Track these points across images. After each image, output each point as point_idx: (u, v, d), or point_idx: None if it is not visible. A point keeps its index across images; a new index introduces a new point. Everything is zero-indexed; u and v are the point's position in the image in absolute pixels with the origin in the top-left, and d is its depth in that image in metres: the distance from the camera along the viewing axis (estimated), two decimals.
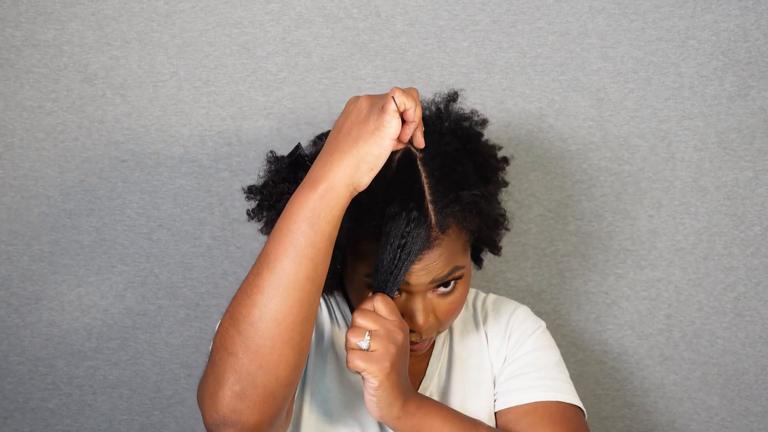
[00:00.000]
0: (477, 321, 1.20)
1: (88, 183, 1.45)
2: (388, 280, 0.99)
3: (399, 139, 0.93)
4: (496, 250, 1.15)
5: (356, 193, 0.92)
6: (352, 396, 1.11)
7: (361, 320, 0.97)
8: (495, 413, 1.14)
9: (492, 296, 1.23)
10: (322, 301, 1.16)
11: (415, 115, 0.92)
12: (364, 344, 0.96)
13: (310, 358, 1.11)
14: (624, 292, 1.51)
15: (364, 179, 0.91)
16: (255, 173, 1.45)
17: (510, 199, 1.47)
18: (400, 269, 0.98)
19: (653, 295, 1.51)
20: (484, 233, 1.09)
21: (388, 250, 0.97)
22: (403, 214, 0.97)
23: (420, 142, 0.97)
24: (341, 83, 1.45)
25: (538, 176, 1.48)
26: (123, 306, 1.49)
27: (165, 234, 1.47)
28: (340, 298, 1.18)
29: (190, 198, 1.47)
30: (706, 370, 1.53)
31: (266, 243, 0.91)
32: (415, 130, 0.95)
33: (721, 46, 1.45)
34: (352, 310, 1.15)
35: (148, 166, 1.45)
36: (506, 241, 1.48)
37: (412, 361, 1.14)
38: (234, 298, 0.92)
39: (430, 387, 1.15)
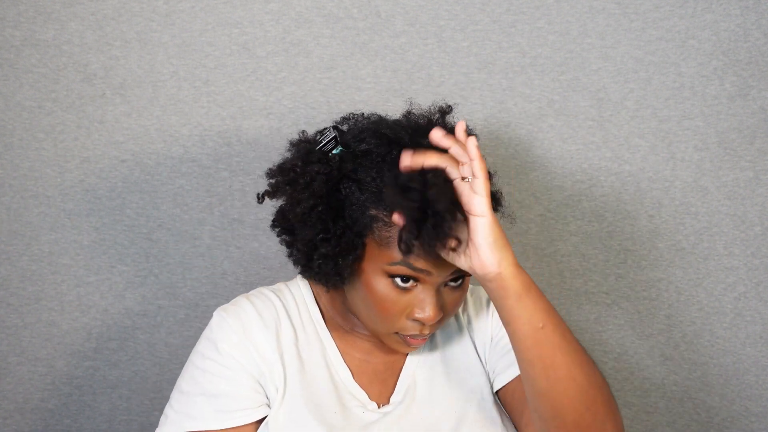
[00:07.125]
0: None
1: (88, 183, 1.45)
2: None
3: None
4: None
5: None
6: (315, 395, 1.09)
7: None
8: (501, 387, 1.13)
9: None
10: (272, 305, 1.12)
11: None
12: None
13: (275, 370, 1.08)
14: (624, 292, 1.51)
15: None
16: (255, 173, 1.45)
17: (510, 199, 1.47)
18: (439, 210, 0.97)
19: (653, 295, 1.51)
20: None
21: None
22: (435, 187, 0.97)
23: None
24: (341, 83, 1.45)
25: (538, 176, 1.48)
26: (123, 306, 1.49)
27: (165, 234, 1.47)
28: (307, 295, 1.15)
29: (190, 198, 1.47)
30: (706, 370, 1.53)
31: None
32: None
33: (721, 46, 1.45)
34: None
35: (148, 166, 1.45)
36: None
37: (391, 357, 1.14)
38: None
39: (415, 376, 1.14)
